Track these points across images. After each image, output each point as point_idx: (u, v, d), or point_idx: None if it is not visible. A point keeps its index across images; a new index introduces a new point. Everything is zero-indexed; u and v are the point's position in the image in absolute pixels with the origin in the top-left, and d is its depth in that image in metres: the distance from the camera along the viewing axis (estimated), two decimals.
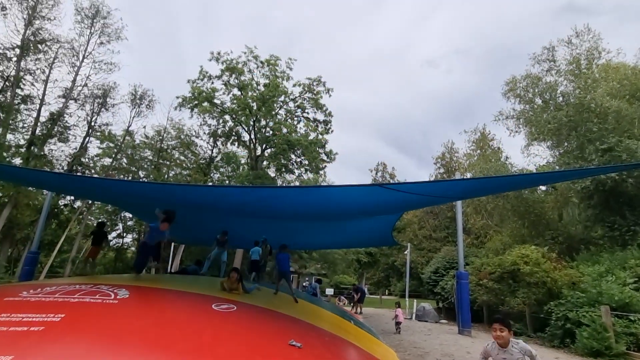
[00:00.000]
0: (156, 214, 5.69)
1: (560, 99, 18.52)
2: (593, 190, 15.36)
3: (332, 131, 24.02)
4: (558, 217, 19.55)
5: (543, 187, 20.27)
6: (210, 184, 24.36)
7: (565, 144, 17.81)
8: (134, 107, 24.10)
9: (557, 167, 18.08)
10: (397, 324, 11.93)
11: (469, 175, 25.94)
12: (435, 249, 29.36)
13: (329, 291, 27.69)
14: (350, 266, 36.06)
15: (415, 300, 19.37)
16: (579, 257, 14.65)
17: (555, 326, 10.41)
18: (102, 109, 22.52)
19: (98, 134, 22.60)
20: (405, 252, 23.15)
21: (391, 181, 39.45)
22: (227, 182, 25.29)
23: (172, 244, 18.23)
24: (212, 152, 26.65)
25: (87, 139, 22.06)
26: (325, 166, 24.29)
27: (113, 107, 23.04)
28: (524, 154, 22.47)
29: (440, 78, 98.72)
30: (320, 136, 23.54)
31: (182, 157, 25.93)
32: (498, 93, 26.11)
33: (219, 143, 26.10)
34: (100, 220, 18.54)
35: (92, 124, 22.15)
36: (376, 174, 43.09)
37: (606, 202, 15.27)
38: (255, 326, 4.47)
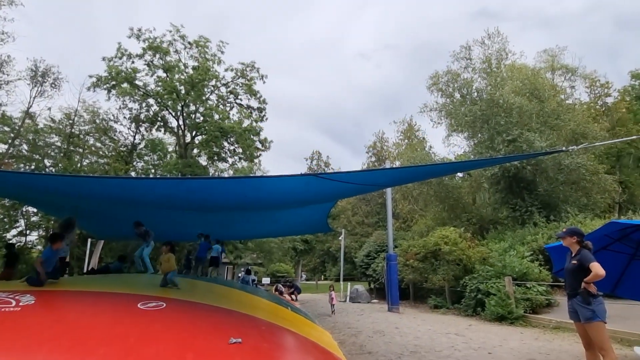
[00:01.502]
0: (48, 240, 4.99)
1: (475, 94, 20.45)
2: (500, 177, 17.43)
3: (267, 119, 23.54)
4: (472, 201, 21.83)
5: (460, 174, 22.41)
6: (132, 174, 22.36)
7: (479, 135, 19.74)
8: (35, 86, 20.85)
9: (471, 156, 20.00)
10: (332, 306, 12.52)
11: (397, 164, 27.56)
12: (368, 234, 30.80)
13: (265, 280, 27.61)
14: (286, 254, 36.22)
15: (349, 283, 20.24)
16: (488, 235, 16.57)
17: (469, 297, 11.70)
18: None
19: None
20: (340, 238, 23.97)
21: (326, 169, 40.26)
22: (152, 171, 23.42)
23: (89, 239, 16.45)
24: (135, 139, 24.30)
25: None
26: (260, 154, 23.79)
27: (7, 84, 19.68)
28: (444, 144, 24.64)
29: (371, 71, 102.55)
30: (254, 123, 22.92)
31: (98, 144, 23.23)
32: (423, 87, 27.88)
33: (142, 129, 23.90)
34: (9, 242, 16.26)
35: None
36: (311, 162, 43.57)
37: (510, 187, 17.44)
38: (187, 323, 4.25)
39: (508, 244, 13.74)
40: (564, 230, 4.22)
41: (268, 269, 36.06)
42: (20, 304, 3.68)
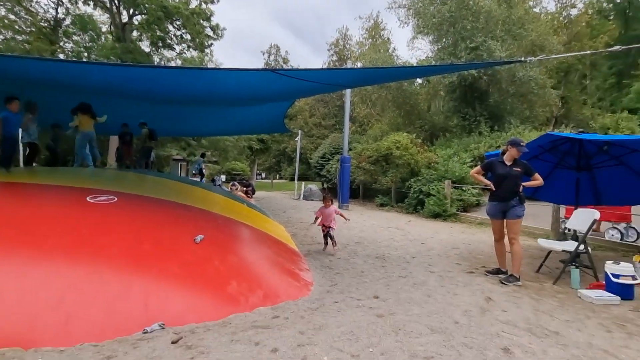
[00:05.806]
0: None
1: None
2: (457, 85, 17.66)
3: (218, 1, 20.66)
4: (427, 108, 22.33)
5: (419, 80, 22.33)
6: (61, 56, 19.45)
7: (444, 40, 19.11)
8: None
9: (433, 62, 19.72)
10: (327, 233, 6.07)
11: (359, 65, 26.60)
12: (324, 136, 31.13)
13: (222, 178, 27.91)
14: (242, 153, 36.19)
15: (303, 183, 21.15)
16: (437, 142, 17.53)
17: (412, 197, 12.89)
18: None
19: None
20: (296, 139, 24.09)
21: (284, 66, 37.94)
22: (85, 54, 20.46)
23: None
24: (57, 12, 20.45)
25: None
26: (212, 44, 21.52)
27: None
28: (409, 47, 23.90)
29: None
30: (204, 5, 20.10)
31: (11, 16, 19.30)
32: None
33: (65, 0, 20.02)
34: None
35: None
36: (269, 57, 40.52)
37: (464, 96, 17.88)
38: (141, 216, 4.28)
39: (453, 150, 14.73)
40: (519, 142, 4.40)
41: (223, 167, 36.17)
42: None
